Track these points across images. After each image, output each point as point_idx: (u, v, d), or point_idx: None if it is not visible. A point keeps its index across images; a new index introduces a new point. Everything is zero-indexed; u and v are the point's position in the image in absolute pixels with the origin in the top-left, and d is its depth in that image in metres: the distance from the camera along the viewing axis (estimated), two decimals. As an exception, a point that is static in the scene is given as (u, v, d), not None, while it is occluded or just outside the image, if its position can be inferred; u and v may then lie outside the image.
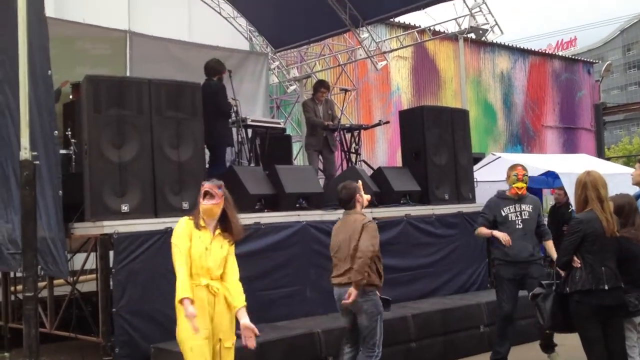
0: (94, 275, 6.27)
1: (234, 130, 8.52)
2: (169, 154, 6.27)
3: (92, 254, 6.16)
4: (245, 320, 4.16)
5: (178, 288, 4.06)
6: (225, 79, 8.44)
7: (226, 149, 8.33)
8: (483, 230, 6.30)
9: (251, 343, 4.16)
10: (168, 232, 5.93)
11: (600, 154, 22.11)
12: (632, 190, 5.54)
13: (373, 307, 5.17)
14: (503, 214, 6.24)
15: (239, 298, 4.23)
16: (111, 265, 5.77)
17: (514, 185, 6.25)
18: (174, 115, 6.35)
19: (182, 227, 4.26)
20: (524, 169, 6.32)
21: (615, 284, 4.55)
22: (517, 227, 6.20)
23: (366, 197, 5.49)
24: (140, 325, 5.77)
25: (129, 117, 6.09)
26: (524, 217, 6.23)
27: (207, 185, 4.31)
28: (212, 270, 4.22)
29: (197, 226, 4.25)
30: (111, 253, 5.82)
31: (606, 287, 4.51)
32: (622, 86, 76.22)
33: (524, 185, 6.25)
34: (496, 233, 6.12)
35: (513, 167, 6.34)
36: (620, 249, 4.62)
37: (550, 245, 6.29)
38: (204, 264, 4.19)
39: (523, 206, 6.28)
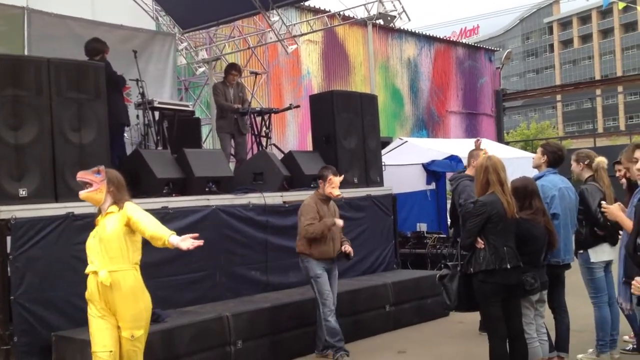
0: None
1: (141, 113, 8.29)
2: (70, 137, 6.03)
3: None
4: (179, 239, 4.10)
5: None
6: (129, 60, 8.19)
7: (123, 128, 8.06)
8: None
9: (197, 243, 4.11)
10: (69, 217, 5.75)
11: (499, 138, 23.04)
12: (530, 174, 5.81)
13: (305, 271, 6.21)
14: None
15: (162, 230, 4.13)
16: (9, 251, 5.50)
17: None
18: (75, 96, 6.10)
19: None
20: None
21: (516, 263, 4.77)
22: None
23: (329, 191, 6.25)
24: (41, 313, 5.56)
25: (27, 98, 5.79)
26: None
27: (79, 175, 4.32)
28: (104, 254, 4.13)
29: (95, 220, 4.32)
30: (9, 239, 5.55)
31: (508, 266, 4.72)
32: (521, 73, 79.68)
33: None
34: None
35: (482, 149, 6.64)
36: (519, 230, 4.84)
37: None
38: (95, 246, 4.17)
39: None
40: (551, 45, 78.69)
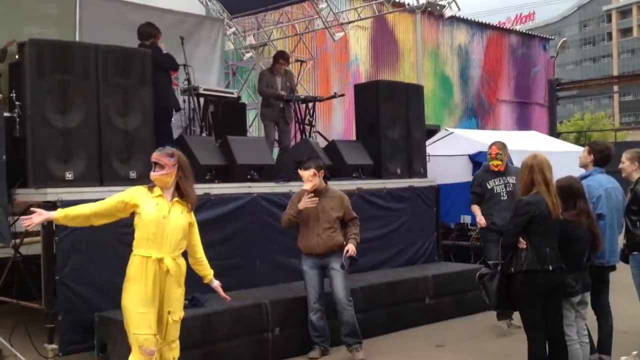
0: (39, 238, 6.14)
1: (186, 98, 8.37)
2: (115, 122, 6.14)
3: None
4: (217, 283, 4.56)
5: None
6: (176, 45, 8.26)
7: (171, 113, 8.13)
8: (475, 210, 7.01)
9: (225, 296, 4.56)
10: (114, 201, 5.85)
11: (552, 129, 22.54)
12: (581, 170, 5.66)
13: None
14: (489, 186, 6.96)
15: (209, 268, 4.53)
16: (54, 232, 5.65)
17: (490, 163, 6.94)
18: (121, 82, 6.20)
19: (132, 189, 4.28)
20: (499, 147, 6.94)
21: (559, 264, 4.66)
22: (502, 198, 6.90)
23: (303, 188, 5.96)
24: (84, 293, 5.72)
25: (74, 83, 5.91)
26: (508, 189, 6.88)
27: (154, 156, 4.25)
28: (170, 241, 4.15)
29: (151, 192, 4.22)
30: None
31: (550, 268, 4.61)
32: (577, 61, 77.59)
33: (500, 162, 6.91)
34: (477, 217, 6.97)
35: (489, 147, 7.03)
36: (562, 232, 4.72)
37: None
38: (160, 231, 4.12)
39: (507, 178, 6.93)
40: (609, 34, 76.34)
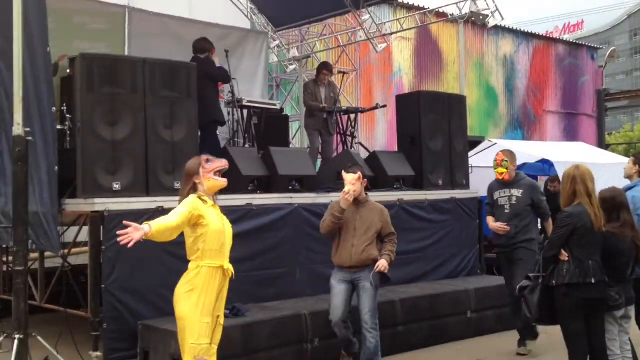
0: (87, 248, 6.32)
1: (230, 110, 8.53)
2: (162, 134, 6.28)
3: (85, 227, 6.20)
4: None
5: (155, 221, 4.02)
6: (222, 59, 8.43)
7: (217, 125, 8.31)
8: (489, 220, 6.60)
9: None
10: (159, 211, 5.95)
11: (600, 140, 22.07)
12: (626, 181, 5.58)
13: None
14: (494, 197, 6.52)
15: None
16: (101, 242, 5.81)
17: (495, 171, 6.45)
18: (168, 95, 6.35)
19: (190, 201, 4.18)
20: (505, 154, 6.41)
21: (601, 277, 4.59)
22: (505, 211, 6.41)
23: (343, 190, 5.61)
24: (129, 302, 5.84)
25: (123, 96, 6.09)
26: (512, 202, 6.38)
27: (224, 163, 4.39)
28: (228, 247, 4.28)
29: (205, 203, 4.25)
30: (102, 230, 5.86)
31: (593, 281, 4.55)
32: (628, 71, 75.80)
33: (504, 170, 6.35)
34: (490, 224, 6.52)
35: (496, 154, 6.54)
36: (605, 244, 4.65)
37: (547, 225, 6.37)
38: (223, 240, 4.22)
39: (512, 190, 6.41)
40: (662, 42, 74.49)
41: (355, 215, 5.57)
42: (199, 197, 4.23)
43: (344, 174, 5.59)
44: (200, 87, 7.44)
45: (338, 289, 5.57)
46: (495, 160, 6.46)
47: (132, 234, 3.82)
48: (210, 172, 4.29)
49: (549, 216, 6.41)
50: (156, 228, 3.92)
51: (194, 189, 4.29)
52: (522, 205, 6.32)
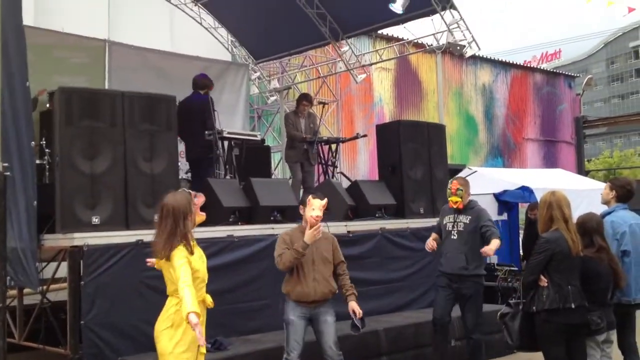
0: (66, 284, 6.25)
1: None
2: (141, 167, 6.25)
3: (64, 263, 6.13)
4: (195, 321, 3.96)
5: (188, 302, 3.88)
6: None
7: (212, 161, 8.39)
8: (430, 238, 6.40)
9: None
10: (139, 245, 5.94)
11: (580, 167, 22.36)
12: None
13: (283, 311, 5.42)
14: (443, 222, 6.35)
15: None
16: (81, 277, 5.75)
17: (449, 199, 6.27)
18: (148, 128, 6.33)
19: (186, 254, 4.13)
20: (460, 182, 6.25)
21: (581, 302, 4.63)
22: (452, 237, 6.20)
23: (310, 215, 5.22)
24: (109, 338, 5.73)
25: (102, 129, 6.06)
26: (458, 229, 6.16)
27: (203, 197, 4.44)
28: (206, 281, 4.27)
29: (189, 246, 4.18)
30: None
31: (573, 306, 4.58)
32: (605, 98, 77.11)
33: (458, 199, 6.16)
34: (428, 241, 6.34)
35: (450, 181, 6.40)
36: (584, 269, 4.69)
37: (492, 244, 5.92)
38: (203, 276, 4.21)
39: (460, 217, 6.19)
40: (637, 70, 75.86)
41: (312, 247, 5.20)
42: (184, 246, 4.14)
43: (311, 199, 5.26)
44: (196, 121, 7.98)
45: (299, 324, 5.27)
46: (450, 189, 6.27)
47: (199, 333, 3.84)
48: (197, 207, 4.31)
49: (496, 235, 6.08)
50: (194, 308, 3.87)
51: (183, 226, 4.16)
52: (469, 232, 6.13)
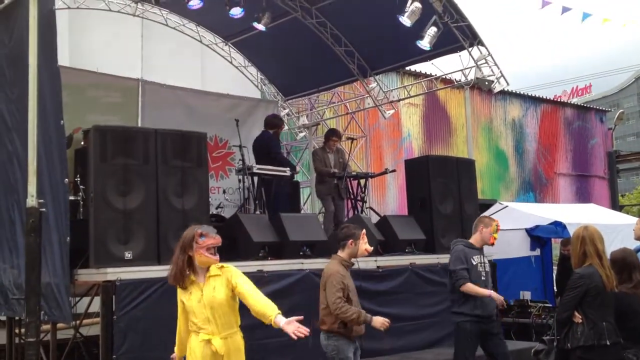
0: (99, 319, 6.30)
1: (241, 177, 8.65)
2: (173, 202, 6.36)
3: (97, 298, 6.20)
4: (285, 321, 3.98)
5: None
6: (234, 127, 8.64)
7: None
8: (477, 289, 5.82)
9: (303, 330, 3.95)
10: (170, 280, 5.99)
11: (614, 202, 21.99)
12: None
13: (332, 351, 5.23)
14: (473, 262, 6.00)
15: (269, 308, 4.07)
16: (113, 312, 5.80)
17: (494, 234, 6.13)
18: (179, 164, 6.47)
19: (177, 294, 4.33)
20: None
21: (616, 339, 4.54)
22: (482, 278, 6.01)
23: (365, 247, 5.33)
24: (141, 372, 5.78)
25: (135, 166, 6.20)
26: (486, 269, 6.09)
27: (218, 240, 4.26)
28: (217, 320, 4.18)
29: (184, 284, 4.26)
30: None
31: (608, 343, 4.50)
32: (637, 133, 75.99)
33: (497, 236, 6.16)
34: (494, 295, 5.83)
35: (493, 219, 6.29)
36: (619, 305, 4.61)
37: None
38: (207, 314, 4.17)
39: (483, 258, 6.14)
40: (670, 103, 74.94)
41: (351, 284, 5.34)
42: (180, 287, 4.30)
43: (365, 232, 5.39)
44: (258, 158, 8.74)
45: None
46: (495, 227, 6.18)
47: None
48: (202, 248, 4.20)
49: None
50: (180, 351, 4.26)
51: (189, 261, 4.24)
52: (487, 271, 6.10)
